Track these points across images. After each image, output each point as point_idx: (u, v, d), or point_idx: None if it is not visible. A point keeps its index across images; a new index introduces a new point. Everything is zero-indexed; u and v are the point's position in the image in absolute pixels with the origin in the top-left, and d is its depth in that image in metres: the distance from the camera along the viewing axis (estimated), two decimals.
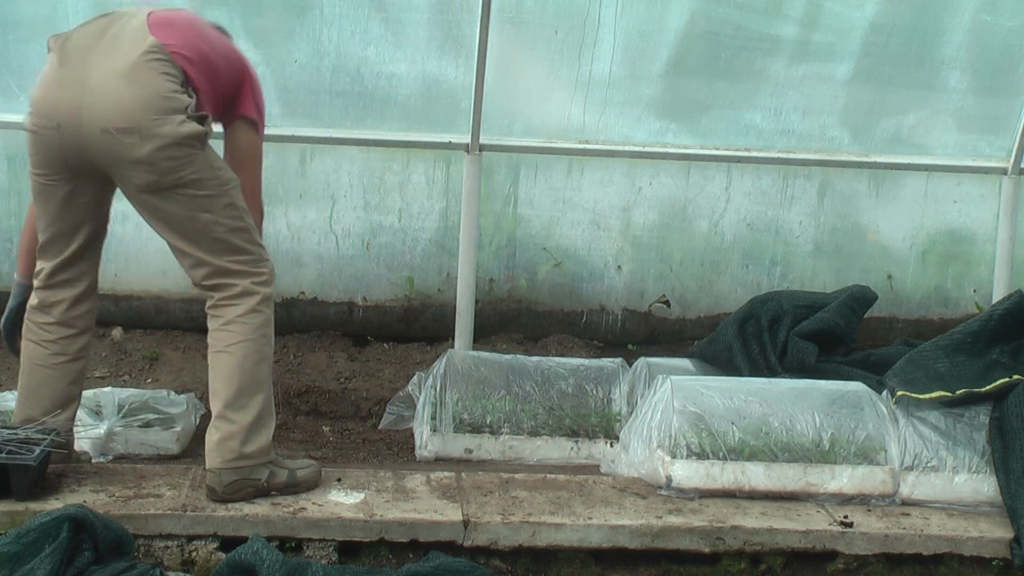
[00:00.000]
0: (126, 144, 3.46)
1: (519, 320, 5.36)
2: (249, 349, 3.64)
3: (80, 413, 3.97)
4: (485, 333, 5.25)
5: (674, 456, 3.92)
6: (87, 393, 4.11)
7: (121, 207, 5.03)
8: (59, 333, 3.78)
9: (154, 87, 3.48)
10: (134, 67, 3.48)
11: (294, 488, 3.73)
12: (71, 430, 3.88)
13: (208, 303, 3.70)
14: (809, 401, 4.09)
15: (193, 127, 3.51)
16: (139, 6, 4.76)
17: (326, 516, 3.59)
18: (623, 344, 5.41)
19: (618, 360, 4.59)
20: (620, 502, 3.84)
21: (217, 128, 3.81)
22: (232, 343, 3.63)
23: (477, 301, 5.14)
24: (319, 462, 4.12)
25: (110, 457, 4.07)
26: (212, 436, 3.65)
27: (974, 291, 5.57)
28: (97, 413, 4.14)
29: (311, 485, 3.79)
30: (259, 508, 3.60)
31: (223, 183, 3.62)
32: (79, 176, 3.63)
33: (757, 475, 3.93)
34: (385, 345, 5.18)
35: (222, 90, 3.74)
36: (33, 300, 3.80)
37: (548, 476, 4.05)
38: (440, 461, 4.27)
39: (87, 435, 4.05)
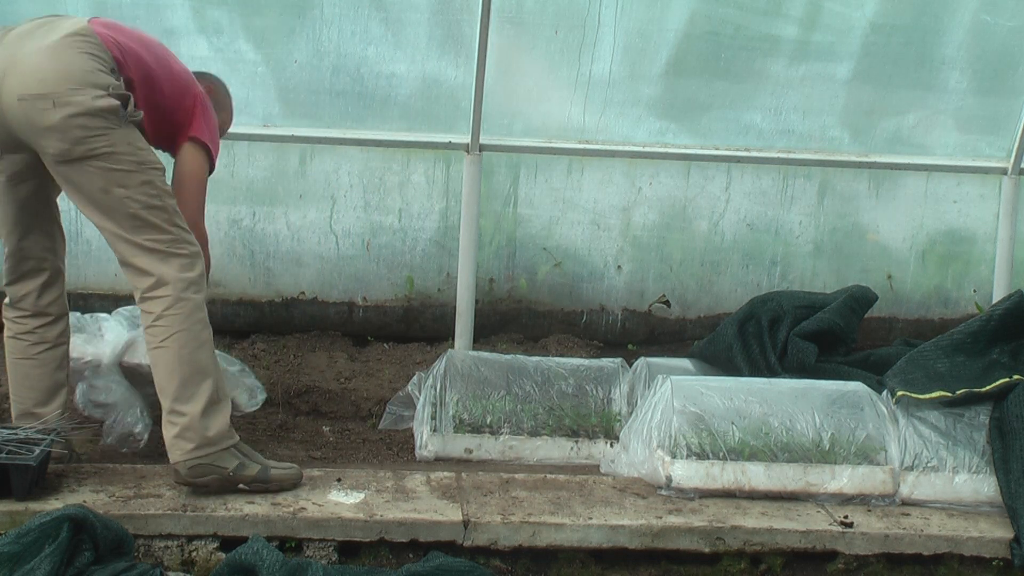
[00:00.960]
0: (39, 110, 3.48)
1: (519, 320, 5.36)
2: (184, 339, 3.64)
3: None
4: (485, 333, 5.25)
5: (674, 456, 3.92)
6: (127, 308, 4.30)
7: None
8: (35, 323, 3.85)
9: (75, 62, 3.52)
10: (59, 43, 3.53)
11: (264, 485, 3.72)
12: (70, 430, 3.89)
13: (135, 295, 3.70)
14: (809, 401, 4.09)
15: (109, 101, 3.52)
16: (135, 9, 4.81)
17: (326, 516, 3.59)
18: (623, 344, 5.41)
19: (618, 360, 4.59)
20: (620, 502, 3.84)
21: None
22: (165, 337, 3.64)
23: (477, 301, 5.14)
24: (320, 462, 4.13)
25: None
26: (168, 432, 3.67)
27: (974, 291, 5.57)
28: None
29: (285, 486, 3.76)
30: (259, 508, 3.60)
31: (141, 162, 3.61)
32: (13, 158, 3.70)
33: (757, 475, 3.93)
34: (385, 345, 5.18)
35: (166, 105, 3.75)
36: (5, 298, 3.87)
37: (548, 476, 4.05)
38: (440, 461, 4.27)
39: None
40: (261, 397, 4.30)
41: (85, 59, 3.53)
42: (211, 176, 3.92)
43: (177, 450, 3.64)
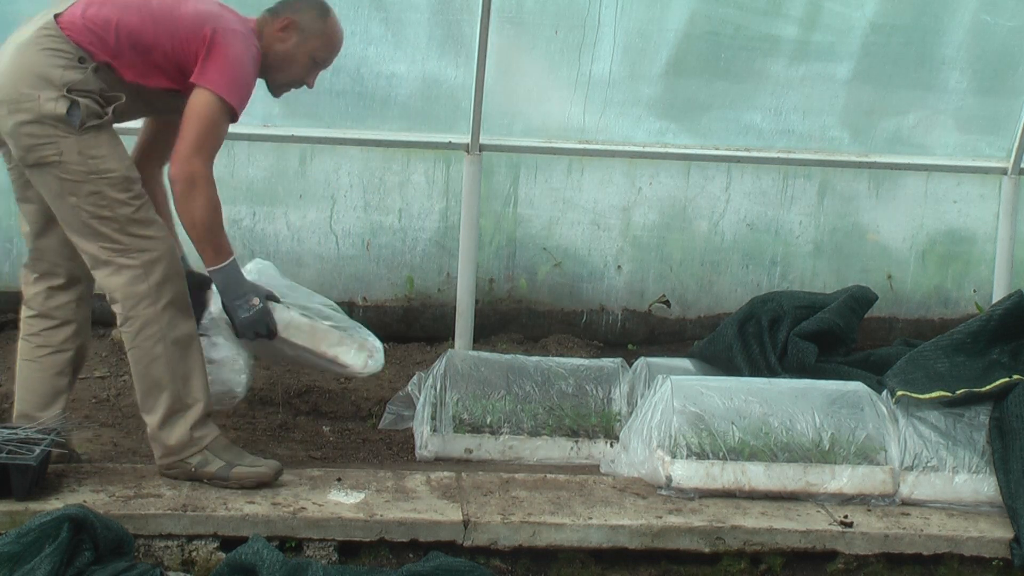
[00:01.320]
0: (0, 115, 3.55)
1: (519, 320, 5.36)
2: (137, 355, 3.71)
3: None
4: (485, 333, 5.25)
5: (674, 456, 3.92)
6: None
7: None
8: (40, 325, 3.85)
9: (32, 62, 3.53)
10: (24, 43, 3.56)
11: (224, 481, 3.73)
12: (71, 430, 3.90)
13: None
14: (809, 401, 4.09)
15: (57, 107, 3.50)
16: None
17: (326, 516, 3.59)
18: (623, 344, 5.41)
19: (618, 360, 4.59)
20: (620, 502, 3.84)
21: None
22: (128, 352, 3.75)
23: (477, 301, 5.14)
24: (320, 462, 4.12)
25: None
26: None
27: (974, 291, 5.57)
28: None
29: (246, 484, 3.73)
30: (259, 508, 3.59)
31: (91, 171, 3.58)
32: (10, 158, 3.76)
33: (757, 475, 3.93)
34: (385, 345, 5.17)
35: (164, 57, 3.67)
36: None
37: (548, 476, 4.04)
38: (440, 461, 4.27)
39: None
40: (380, 358, 4.15)
41: (42, 56, 3.53)
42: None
43: (154, 451, 3.80)
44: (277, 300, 3.92)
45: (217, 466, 3.73)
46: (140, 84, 3.69)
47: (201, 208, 3.64)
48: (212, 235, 3.68)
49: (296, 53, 3.84)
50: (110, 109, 3.62)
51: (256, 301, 3.78)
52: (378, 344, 4.15)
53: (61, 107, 3.52)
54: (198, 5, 3.73)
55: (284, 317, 3.89)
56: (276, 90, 3.95)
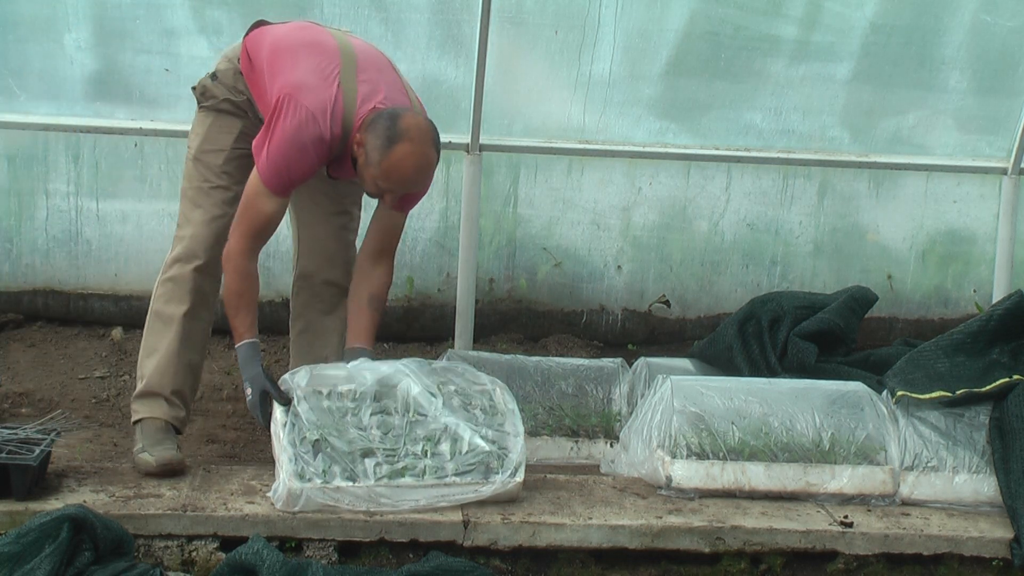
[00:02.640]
0: None
1: (519, 320, 5.36)
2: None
3: None
4: (485, 333, 5.25)
5: (674, 456, 3.92)
6: None
7: (121, 207, 5.08)
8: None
9: None
10: None
11: (132, 461, 3.88)
12: (71, 430, 3.94)
13: None
14: (809, 401, 4.09)
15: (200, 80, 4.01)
16: (135, 9, 4.81)
17: (326, 516, 3.59)
18: (623, 344, 5.41)
19: (618, 360, 4.59)
20: (620, 502, 3.84)
21: None
22: None
23: (477, 301, 5.14)
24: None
25: None
26: None
27: (974, 291, 5.57)
28: None
29: (139, 469, 3.80)
30: (259, 508, 3.59)
31: (191, 146, 4.01)
32: None
33: (757, 475, 3.93)
34: (385, 345, 5.18)
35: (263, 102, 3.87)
36: None
37: (548, 476, 4.04)
38: None
39: None
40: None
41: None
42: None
43: None
44: (287, 401, 3.69)
45: (136, 446, 3.86)
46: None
47: (225, 286, 3.84)
48: (230, 313, 3.81)
49: (362, 172, 3.69)
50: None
51: (248, 392, 3.76)
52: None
53: (202, 79, 4.08)
54: (295, 71, 3.70)
55: (275, 414, 3.74)
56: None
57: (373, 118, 3.64)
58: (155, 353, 3.91)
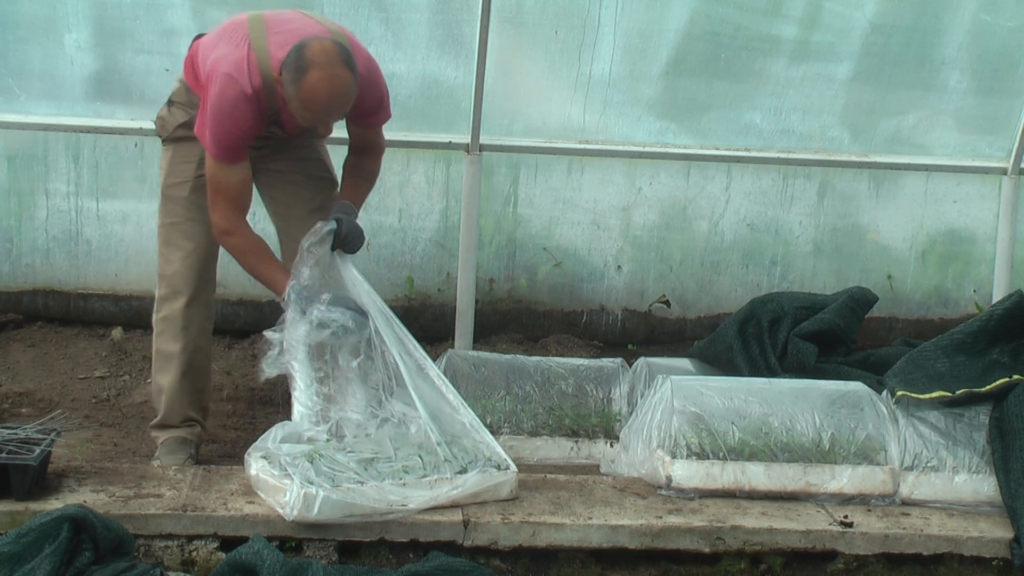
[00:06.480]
0: None
1: (519, 320, 5.36)
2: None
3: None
4: (485, 333, 5.25)
5: (674, 456, 3.92)
6: None
7: (122, 207, 5.08)
8: None
9: None
10: None
11: None
12: (71, 430, 3.95)
13: None
14: (809, 401, 4.09)
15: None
16: (135, 9, 4.82)
17: (326, 516, 3.58)
18: (623, 344, 5.41)
19: (618, 360, 4.59)
20: (620, 502, 3.84)
21: None
22: None
23: (477, 301, 5.14)
24: None
25: None
26: None
27: (974, 291, 5.57)
28: None
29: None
30: (259, 508, 3.59)
31: (161, 182, 4.10)
32: None
33: (757, 475, 3.93)
34: None
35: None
36: None
37: (548, 476, 4.04)
38: None
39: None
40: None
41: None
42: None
43: None
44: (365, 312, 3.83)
45: (153, 456, 4.14)
46: None
47: (236, 255, 3.98)
48: (256, 274, 3.94)
49: (291, 110, 3.79)
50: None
51: (335, 315, 3.79)
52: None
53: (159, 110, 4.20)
54: (213, 52, 3.83)
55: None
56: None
57: (285, 56, 3.71)
58: (163, 391, 4.13)
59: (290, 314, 3.79)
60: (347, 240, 3.88)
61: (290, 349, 3.80)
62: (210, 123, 3.79)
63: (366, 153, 4.14)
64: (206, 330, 4.17)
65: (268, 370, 3.82)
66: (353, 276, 3.89)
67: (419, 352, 3.88)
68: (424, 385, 3.83)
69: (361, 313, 3.81)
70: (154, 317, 4.14)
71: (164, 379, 4.13)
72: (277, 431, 3.73)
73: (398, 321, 3.90)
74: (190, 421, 4.16)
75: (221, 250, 4.09)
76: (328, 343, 3.81)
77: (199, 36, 4.08)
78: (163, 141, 4.12)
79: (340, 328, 3.78)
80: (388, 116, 4.10)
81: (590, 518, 3.70)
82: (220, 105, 3.75)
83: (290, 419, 3.84)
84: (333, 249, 3.87)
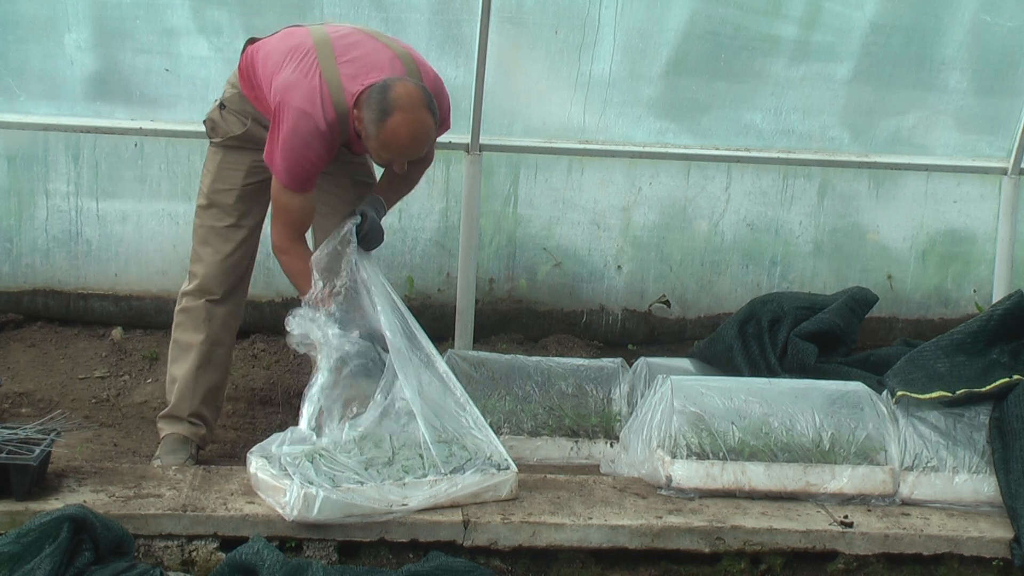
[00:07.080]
0: None
1: (519, 320, 5.36)
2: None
3: None
4: (485, 333, 5.25)
5: (674, 456, 3.92)
6: None
7: (121, 207, 5.08)
8: None
9: None
10: None
11: None
12: (71, 430, 3.95)
13: None
14: (809, 401, 4.09)
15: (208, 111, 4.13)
16: (135, 9, 4.81)
17: (326, 516, 3.58)
18: (623, 344, 5.41)
19: (618, 360, 4.59)
20: (620, 502, 3.84)
21: None
22: None
23: (477, 301, 5.14)
24: None
25: None
26: None
27: (974, 291, 5.57)
28: None
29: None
30: (259, 508, 3.59)
31: (203, 185, 4.13)
32: None
33: (757, 475, 3.93)
34: None
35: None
36: None
37: (548, 476, 4.04)
38: None
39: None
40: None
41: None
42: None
43: None
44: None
45: (154, 455, 4.13)
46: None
47: (288, 272, 4.00)
48: (305, 289, 3.91)
49: (367, 146, 3.80)
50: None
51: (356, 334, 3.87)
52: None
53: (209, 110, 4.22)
54: (280, 77, 3.80)
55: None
56: None
57: (367, 94, 3.71)
58: (176, 380, 4.14)
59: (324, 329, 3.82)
60: (367, 238, 3.91)
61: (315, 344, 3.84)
62: (282, 155, 3.77)
63: (416, 162, 4.02)
64: (230, 327, 4.19)
65: (294, 327, 3.87)
66: (373, 273, 3.94)
67: (429, 347, 3.91)
68: (433, 380, 3.84)
69: (384, 348, 3.84)
70: (176, 308, 4.16)
71: (179, 369, 4.13)
72: (286, 436, 3.73)
73: (412, 317, 3.96)
74: (197, 418, 4.13)
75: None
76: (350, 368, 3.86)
77: (251, 40, 4.06)
78: (212, 142, 4.11)
79: (361, 367, 3.84)
80: (448, 128, 4.06)
81: (590, 518, 3.70)
82: (294, 142, 3.73)
83: (289, 422, 3.83)
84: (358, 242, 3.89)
